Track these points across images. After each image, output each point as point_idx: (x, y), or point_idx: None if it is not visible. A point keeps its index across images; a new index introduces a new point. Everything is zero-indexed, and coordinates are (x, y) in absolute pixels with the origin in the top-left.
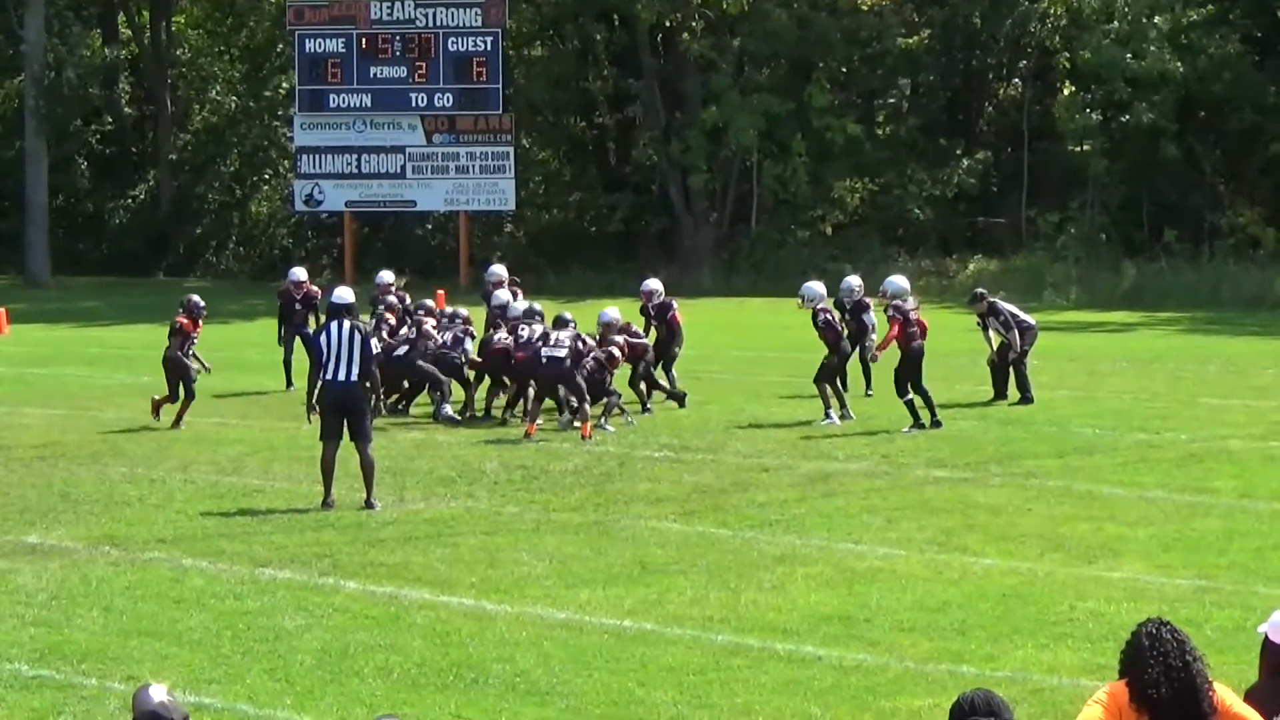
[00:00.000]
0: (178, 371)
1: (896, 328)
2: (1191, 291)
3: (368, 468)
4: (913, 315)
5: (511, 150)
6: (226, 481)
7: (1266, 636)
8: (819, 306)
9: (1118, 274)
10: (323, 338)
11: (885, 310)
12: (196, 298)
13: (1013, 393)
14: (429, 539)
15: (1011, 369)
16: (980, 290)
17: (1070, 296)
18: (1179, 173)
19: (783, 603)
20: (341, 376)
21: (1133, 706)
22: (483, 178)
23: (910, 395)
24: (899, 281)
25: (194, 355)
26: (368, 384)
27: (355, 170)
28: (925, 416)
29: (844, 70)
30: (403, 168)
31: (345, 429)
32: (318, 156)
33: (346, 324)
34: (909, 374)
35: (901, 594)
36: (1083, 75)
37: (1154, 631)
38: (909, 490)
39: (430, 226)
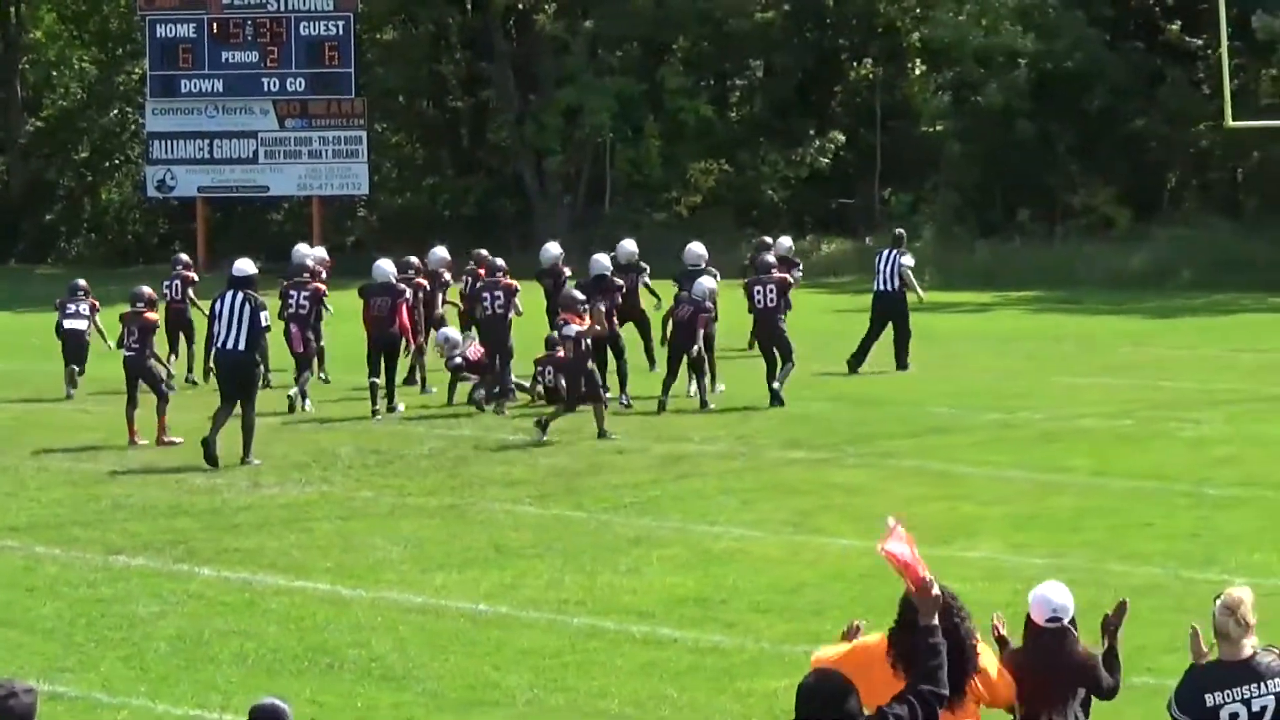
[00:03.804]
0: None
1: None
2: (1045, 271)
3: (249, 427)
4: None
5: (365, 135)
6: (80, 469)
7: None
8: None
9: (972, 254)
10: (216, 305)
11: None
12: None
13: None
14: (284, 524)
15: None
16: (900, 232)
17: (924, 277)
18: (1033, 152)
19: (639, 585)
20: (230, 345)
21: (889, 659)
22: (336, 162)
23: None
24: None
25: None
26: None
27: (207, 156)
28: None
29: (697, 51)
30: (255, 153)
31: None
32: (169, 142)
33: (240, 295)
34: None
35: (757, 575)
36: (934, 55)
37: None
38: (765, 471)
39: (284, 211)
